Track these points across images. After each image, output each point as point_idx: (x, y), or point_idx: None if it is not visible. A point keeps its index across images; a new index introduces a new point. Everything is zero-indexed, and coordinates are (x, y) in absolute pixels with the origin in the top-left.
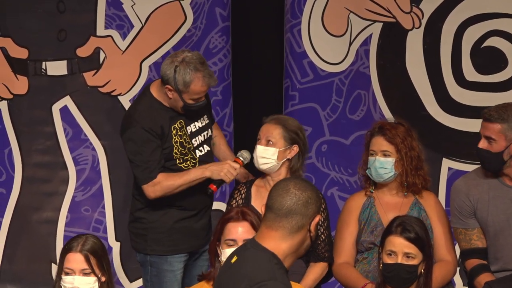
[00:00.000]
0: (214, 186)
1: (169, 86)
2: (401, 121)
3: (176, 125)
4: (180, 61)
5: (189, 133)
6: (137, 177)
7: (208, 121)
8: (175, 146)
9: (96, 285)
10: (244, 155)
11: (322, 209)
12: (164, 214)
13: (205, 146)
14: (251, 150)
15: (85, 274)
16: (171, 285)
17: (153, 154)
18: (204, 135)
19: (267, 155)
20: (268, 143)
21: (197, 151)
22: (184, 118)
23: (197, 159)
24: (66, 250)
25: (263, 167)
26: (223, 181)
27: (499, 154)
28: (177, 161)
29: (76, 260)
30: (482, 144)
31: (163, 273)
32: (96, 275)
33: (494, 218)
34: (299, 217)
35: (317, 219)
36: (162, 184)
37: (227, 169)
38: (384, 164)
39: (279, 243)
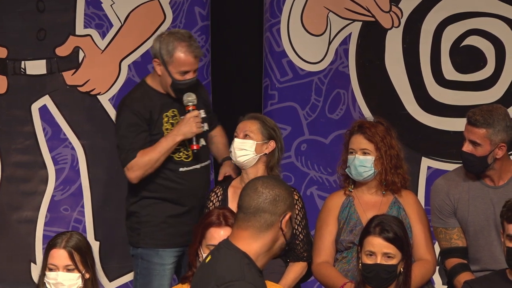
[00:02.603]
0: (194, 145)
1: (156, 60)
2: (381, 120)
3: (168, 113)
4: (166, 33)
5: None
6: (120, 161)
7: (205, 115)
8: (165, 133)
9: (80, 281)
10: (189, 99)
11: (300, 208)
12: (156, 208)
13: (200, 139)
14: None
15: (69, 270)
16: (161, 279)
17: (137, 137)
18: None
19: (245, 147)
20: (245, 136)
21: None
22: (178, 107)
23: (190, 152)
24: (51, 246)
25: (241, 159)
26: (198, 134)
27: (483, 158)
28: None
29: (59, 256)
30: (467, 147)
31: (153, 266)
32: (79, 272)
33: (474, 218)
34: (267, 215)
35: (287, 216)
36: (138, 162)
37: (193, 122)
38: (363, 162)
39: (250, 242)
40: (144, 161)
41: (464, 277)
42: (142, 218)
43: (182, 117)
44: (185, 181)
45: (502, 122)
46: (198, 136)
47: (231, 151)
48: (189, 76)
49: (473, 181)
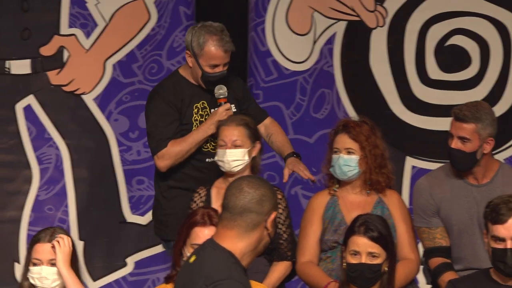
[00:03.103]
0: None
1: (188, 52)
2: (365, 119)
3: (198, 105)
4: (200, 25)
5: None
6: (150, 148)
7: (235, 110)
8: (195, 124)
9: None
10: (220, 91)
11: (283, 207)
12: (182, 200)
13: None
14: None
15: (53, 264)
16: None
17: (169, 127)
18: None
19: (238, 157)
20: (236, 146)
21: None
22: (209, 99)
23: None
24: (34, 241)
25: (236, 169)
26: None
27: (472, 153)
28: None
29: (44, 250)
30: (455, 144)
31: None
32: None
33: (458, 217)
34: (254, 215)
35: (273, 216)
36: (169, 151)
37: (225, 116)
38: (348, 161)
39: (236, 242)
40: (175, 151)
41: (448, 276)
42: (169, 210)
43: (212, 110)
44: (210, 172)
45: (489, 116)
46: None
47: (222, 161)
48: (219, 69)
49: (456, 180)
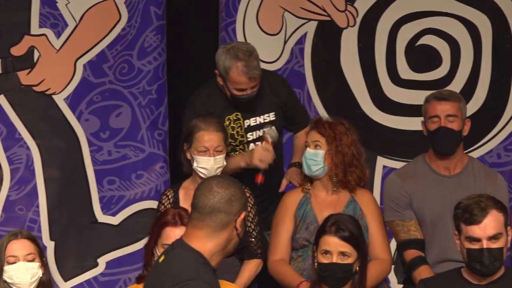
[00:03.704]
0: (259, 177)
1: (217, 71)
2: (343, 121)
3: (231, 117)
4: (229, 47)
5: (245, 126)
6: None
7: (274, 118)
8: None
9: (40, 271)
10: (271, 134)
11: (252, 205)
12: None
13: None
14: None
15: (29, 260)
16: None
17: None
18: (263, 131)
19: (221, 164)
20: (218, 152)
21: (251, 144)
22: (242, 112)
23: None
24: (8, 241)
25: (219, 173)
26: (262, 168)
27: (460, 132)
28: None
29: (19, 247)
30: (444, 123)
31: None
32: (39, 261)
33: (431, 207)
34: (223, 214)
35: (242, 215)
36: None
37: (259, 154)
38: (313, 156)
39: (205, 242)
40: None
41: (423, 270)
42: None
43: (246, 121)
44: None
45: (463, 98)
46: (261, 169)
47: (206, 168)
48: (246, 92)
49: (427, 172)
